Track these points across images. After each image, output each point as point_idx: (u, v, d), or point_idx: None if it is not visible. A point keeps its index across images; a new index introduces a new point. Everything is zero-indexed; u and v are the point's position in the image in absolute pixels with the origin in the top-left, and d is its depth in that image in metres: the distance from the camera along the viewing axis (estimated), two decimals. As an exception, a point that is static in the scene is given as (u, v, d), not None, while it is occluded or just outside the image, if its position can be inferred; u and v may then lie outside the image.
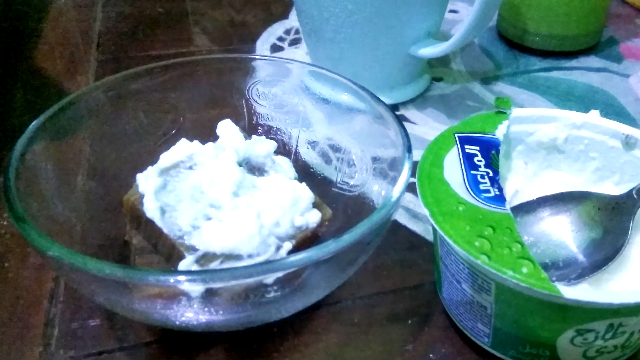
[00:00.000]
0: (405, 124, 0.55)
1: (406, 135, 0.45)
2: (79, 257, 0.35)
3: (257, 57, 0.56)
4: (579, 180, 0.51)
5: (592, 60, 0.81)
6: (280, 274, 0.37)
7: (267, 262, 0.41)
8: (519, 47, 0.82)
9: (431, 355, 0.44)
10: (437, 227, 0.40)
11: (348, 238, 0.37)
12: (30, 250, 0.50)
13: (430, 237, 0.53)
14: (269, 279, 0.37)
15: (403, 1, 0.61)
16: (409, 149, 0.44)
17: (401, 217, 0.55)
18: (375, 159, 0.50)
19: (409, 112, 0.69)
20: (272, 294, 0.39)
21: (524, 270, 0.37)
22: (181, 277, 0.35)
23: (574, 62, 0.80)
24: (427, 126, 0.67)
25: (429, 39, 0.66)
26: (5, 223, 0.53)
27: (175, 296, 0.38)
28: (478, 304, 0.41)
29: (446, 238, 0.39)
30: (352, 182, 0.52)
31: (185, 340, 0.44)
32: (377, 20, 0.62)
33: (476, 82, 0.75)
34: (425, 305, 0.47)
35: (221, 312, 0.39)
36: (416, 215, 0.55)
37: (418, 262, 0.51)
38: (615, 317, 0.37)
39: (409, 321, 0.46)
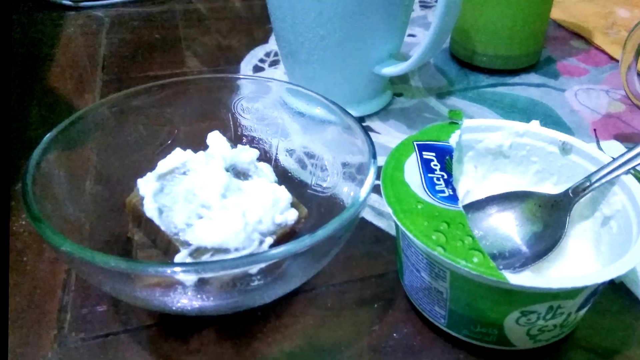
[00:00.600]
0: (371, 134, 0.55)
1: (371, 143, 0.45)
2: (87, 252, 0.35)
3: (241, 76, 0.55)
4: (522, 182, 0.52)
5: (533, 77, 0.81)
6: (263, 265, 0.37)
7: (251, 254, 0.41)
8: (469, 66, 0.82)
9: (395, 335, 0.44)
10: (399, 223, 0.40)
11: (322, 233, 0.37)
12: (46, 246, 0.50)
13: (393, 232, 0.53)
14: (253, 269, 0.37)
15: (367, 27, 0.61)
16: (374, 156, 0.44)
17: (368, 215, 0.55)
18: (344, 164, 0.50)
19: (373, 123, 0.69)
20: (256, 283, 0.39)
21: (475, 260, 0.37)
22: (177, 269, 0.36)
23: (516, 79, 0.80)
24: (389, 135, 0.67)
25: (391, 60, 0.66)
26: (23, 223, 0.52)
27: (172, 285, 0.38)
28: (435, 290, 0.41)
29: (407, 233, 0.39)
30: (324, 185, 0.52)
31: (181, 323, 0.44)
32: (345, 44, 0.62)
33: (432, 97, 0.75)
34: (389, 291, 0.47)
35: (212, 298, 0.39)
36: (381, 213, 0.55)
37: (383, 253, 0.51)
38: (554, 300, 0.38)
39: (375, 305, 0.46)
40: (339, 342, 0.44)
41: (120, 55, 0.82)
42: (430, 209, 0.41)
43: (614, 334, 0.45)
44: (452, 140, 0.48)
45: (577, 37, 0.94)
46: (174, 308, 0.40)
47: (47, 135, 0.44)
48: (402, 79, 0.79)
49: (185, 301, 0.39)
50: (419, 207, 0.41)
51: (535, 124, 0.50)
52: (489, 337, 0.41)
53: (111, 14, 0.94)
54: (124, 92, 0.50)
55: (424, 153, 0.47)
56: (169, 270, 0.35)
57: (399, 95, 0.75)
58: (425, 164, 0.45)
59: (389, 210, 0.41)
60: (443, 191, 0.43)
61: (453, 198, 0.42)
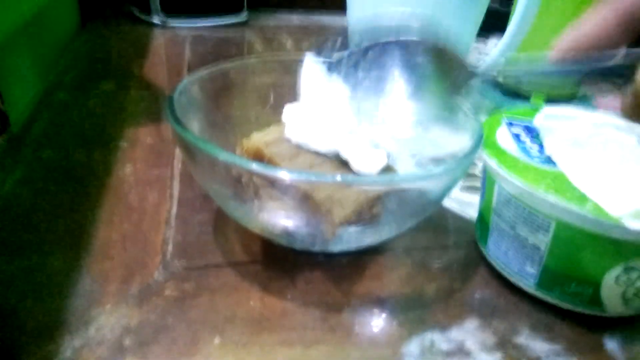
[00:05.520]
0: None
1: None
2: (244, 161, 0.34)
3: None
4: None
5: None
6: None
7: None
8: (513, 94, 0.77)
9: (476, 295, 0.39)
10: (503, 173, 0.35)
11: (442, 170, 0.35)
12: (148, 188, 0.48)
13: (463, 213, 0.48)
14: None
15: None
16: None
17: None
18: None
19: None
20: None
21: (588, 206, 0.32)
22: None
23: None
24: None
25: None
26: (127, 171, 0.50)
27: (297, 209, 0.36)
28: (531, 246, 0.36)
29: (514, 180, 0.35)
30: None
31: (274, 262, 0.41)
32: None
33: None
34: (467, 260, 0.43)
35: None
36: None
37: (457, 229, 0.47)
38: (662, 254, 0.32)
39: (455, 267, 0.42)
40: (424, 295, 0.39)
41: (203, 61, 0.79)
42: (531, 167, 0.36)
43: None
44: (537, 122, 0.43)
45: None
46: (288, 228, 0.37)
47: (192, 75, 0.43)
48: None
49: (300, 223, 0.37)
50: (519, 165, 0.36)
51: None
52: (582, 297, 0.36)
53: (193, 34, 0.92)
54: (240, 62, 0.48)
55: (512, 128, 0.42)
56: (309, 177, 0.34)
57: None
58: (516, 136, 0.41)
59: (492, 162, 0.37)
60: (539, 156, 0.38)
61: (551, 161, 0.37)
